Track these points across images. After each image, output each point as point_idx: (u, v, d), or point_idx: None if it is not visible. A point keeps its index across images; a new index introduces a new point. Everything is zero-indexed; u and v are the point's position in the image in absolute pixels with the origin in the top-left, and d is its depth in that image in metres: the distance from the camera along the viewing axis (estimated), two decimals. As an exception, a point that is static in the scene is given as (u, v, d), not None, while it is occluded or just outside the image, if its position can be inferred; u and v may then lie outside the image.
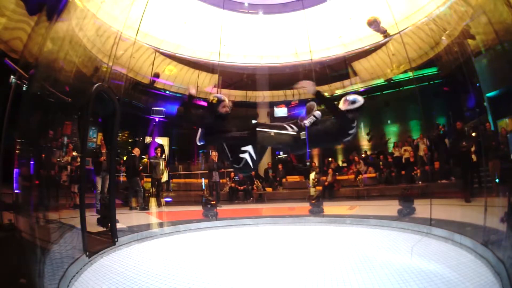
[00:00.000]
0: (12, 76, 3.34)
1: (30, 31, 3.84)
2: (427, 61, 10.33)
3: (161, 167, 9.36)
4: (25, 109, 3.55)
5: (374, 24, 9.46)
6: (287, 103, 12.64)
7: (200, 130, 2.86)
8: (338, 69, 12.42)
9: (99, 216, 5.46)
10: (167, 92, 12.29)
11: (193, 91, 3.01)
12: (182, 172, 12.64)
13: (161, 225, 6.51)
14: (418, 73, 10.54)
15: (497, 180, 5.65)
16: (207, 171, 10.03)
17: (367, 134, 13.40)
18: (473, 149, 6.71)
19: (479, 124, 7.03)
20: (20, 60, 3.66)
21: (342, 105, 2.90)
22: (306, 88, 2.85)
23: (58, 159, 6.68)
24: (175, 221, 6.73)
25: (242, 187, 10.92)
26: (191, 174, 12.43)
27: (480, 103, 7.01)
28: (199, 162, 13.14)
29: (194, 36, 10.25)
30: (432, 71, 10.71)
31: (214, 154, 9.89)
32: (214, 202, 6.99)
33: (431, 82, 10.93)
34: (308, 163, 10.31)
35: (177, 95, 12.36)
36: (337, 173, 10.81)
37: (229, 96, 13.30)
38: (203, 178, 10.10)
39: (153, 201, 9.09)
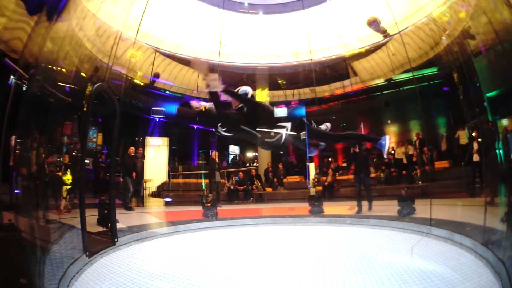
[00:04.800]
0: (12, 76, 3.34)
1: (30, 31, 3.84)
2: (427, 61, 10.33)
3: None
4: (25, 109, 3.55)
5: (374, 24, 9.46)
6: (287, 103, 12.63)
7: (219, 126, 3.32)
8: (338, 69, 12.42)
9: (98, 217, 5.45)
10: (167, 92, 12.29)
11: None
12: (182, 172, 12.64)
13: (161, 225, 6.51)
14: (418, 73, 10.54)
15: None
16: (207, 171, 10.02)
17: (367, 134, 13.38)
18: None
19: (479, 124, 7.02)
20: (20, 60, 3.65)
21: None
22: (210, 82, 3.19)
23: (59, 159, 6.68)
24: (175, 221, 6.73)
25: (242, 187, 10.92)
26: (191, 174, 12.42)
27: (480, 103, 6.99)
28: (199, 161, 13.12)
29: (194, 36, 10.26)
30: (432, 71, 10.71)
31: (214, 154, 9.89)
32: (209, 205, 6.96)
33: (431, 82, 10.93)
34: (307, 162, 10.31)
35: (177, 95, 12.37)
36: (337, 173, 10.82)
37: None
38: (203, 178, 10.07)
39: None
